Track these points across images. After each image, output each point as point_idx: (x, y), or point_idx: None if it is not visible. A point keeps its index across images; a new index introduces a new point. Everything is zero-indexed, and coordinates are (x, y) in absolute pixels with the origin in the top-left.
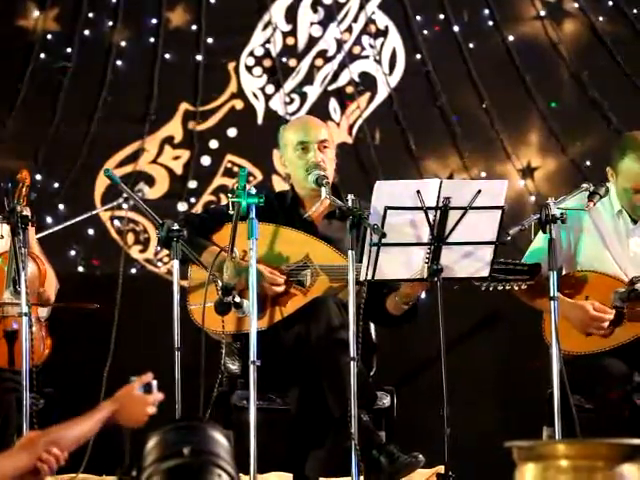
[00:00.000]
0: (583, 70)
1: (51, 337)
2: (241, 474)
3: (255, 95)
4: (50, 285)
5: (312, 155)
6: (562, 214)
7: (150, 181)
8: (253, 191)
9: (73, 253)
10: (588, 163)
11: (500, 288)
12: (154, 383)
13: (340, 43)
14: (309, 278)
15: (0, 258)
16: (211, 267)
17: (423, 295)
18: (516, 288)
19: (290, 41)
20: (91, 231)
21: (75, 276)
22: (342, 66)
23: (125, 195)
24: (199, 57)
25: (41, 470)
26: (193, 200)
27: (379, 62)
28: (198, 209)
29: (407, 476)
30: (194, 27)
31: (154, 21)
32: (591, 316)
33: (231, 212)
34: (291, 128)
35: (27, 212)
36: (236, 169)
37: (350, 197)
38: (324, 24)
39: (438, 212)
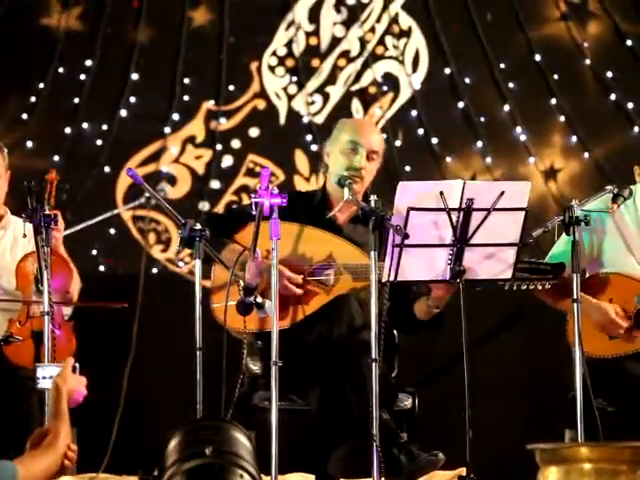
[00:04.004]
0: (607, 71)
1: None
2: (263, 474)
3: (277, 95)
4: (75, 285)
5: (358, 159)
6: (585, 216)
7: (172, 181)
8: (275, 191)
9: (94, 252)
10: (611, 165)
11: (524, 288)
12: (77, 366)
13: (363, 43)
14: (332, 277)
15: (30, 258)
16: (233, 266)
17: None
18: (540, 288)
19: (313, 41)
20: (113, 231)
21: (96, 276)
22: (365, 66)
23: (147, 195)
24: (222, 57)
25: (66, 467)
26: (215, 200)
27: (402, 62)
28: (220, 209)
29: (427, 475)
30: (217, 26)
31: (177, 20)
32: (610, 319)
33: (254, 212)
34: (351, 125)
35: (50, 212)
36: (258, 169)
37: (372, 198)
38: (347, 24)
39: (461, 213)
